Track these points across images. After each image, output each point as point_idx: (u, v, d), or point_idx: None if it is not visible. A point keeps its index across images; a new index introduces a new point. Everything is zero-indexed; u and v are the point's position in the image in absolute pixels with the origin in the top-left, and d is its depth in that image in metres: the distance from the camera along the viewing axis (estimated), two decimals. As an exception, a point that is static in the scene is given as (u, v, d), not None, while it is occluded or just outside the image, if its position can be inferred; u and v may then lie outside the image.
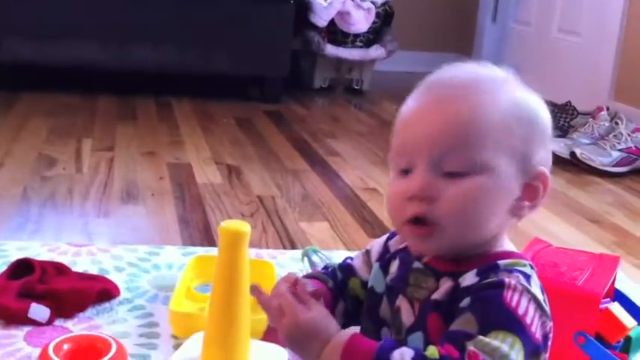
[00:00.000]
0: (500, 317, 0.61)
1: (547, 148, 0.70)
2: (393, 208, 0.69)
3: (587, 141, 2.35)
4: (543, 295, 0.65)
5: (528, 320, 0.61)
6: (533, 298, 0.63)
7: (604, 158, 2.25)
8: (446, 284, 0.67)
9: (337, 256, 1.38)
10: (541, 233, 1.58)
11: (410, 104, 0.70)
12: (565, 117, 2.62)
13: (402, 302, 0.71)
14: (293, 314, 0.66)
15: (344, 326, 0.74)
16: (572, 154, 2.26)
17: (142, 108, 2.73)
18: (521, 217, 0.70)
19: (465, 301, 0.63)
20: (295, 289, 0.70)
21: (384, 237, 0.81)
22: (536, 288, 0.65)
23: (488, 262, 0.67)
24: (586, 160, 2.25)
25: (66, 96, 2.78)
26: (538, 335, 0.62)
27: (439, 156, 0.65)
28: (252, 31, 2.87)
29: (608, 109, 2.45)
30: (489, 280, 0.64)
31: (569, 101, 2.65)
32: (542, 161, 0.69)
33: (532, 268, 0.67)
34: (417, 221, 0.66)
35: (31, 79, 2.99)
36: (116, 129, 2.38)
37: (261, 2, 2.88)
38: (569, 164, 2.27)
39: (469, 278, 0.65)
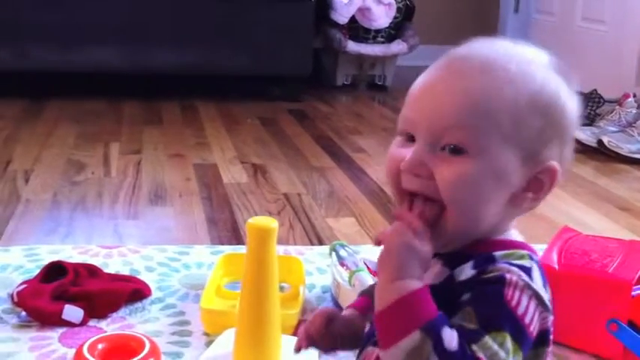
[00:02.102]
0: (499, 316, 0.59)
1: (566, 143, 0.66)
2: (389, 172, 0.66)
3: (615, 129, 2.32)
4: (545, 287, 0.63)
5: (527, 320, 0.59)
6: (535, 295, 0.60)
7: (632, 145, 2.23)
8: (436, 267, 0.65)
9: (364, 250, 1.38)
10: (570, 222, 1.57)
11: (425, 74, 0.67)
12: (591, 105, 2.59)
13: None
14: (409, 235, 0.62)
15: None
16: (600, 142, 2.24)
17: (166, 111, 2.75)
18: (523, 209, 0.66)
19: (466, 296, 0.60)
20: None
21: None
22: (538, 281, 0.62)
23: (484, 251, 0.63)
24: (614, 148, 2.22)
25: (92, 102, 2.81)
26: (535, 333, 0.60)
27: (439, 131, 0.62)
28: (274, 30, 2.88)
29: (634, 95, 2.42)
30: (489, 275, 0.61)
31: (595, 89, 2.63)
32: (555, 156, 0.65)
33: (532, 258, 0.63)
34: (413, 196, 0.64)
35: (57, 86, 3.03)
36: (142, 132, 2.40)
37: (282, 1, 2.89)
38: (596, 152, 2.25)
39: (465, 271, 0.62)
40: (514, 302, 0.59)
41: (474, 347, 0.57)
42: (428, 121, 0.63)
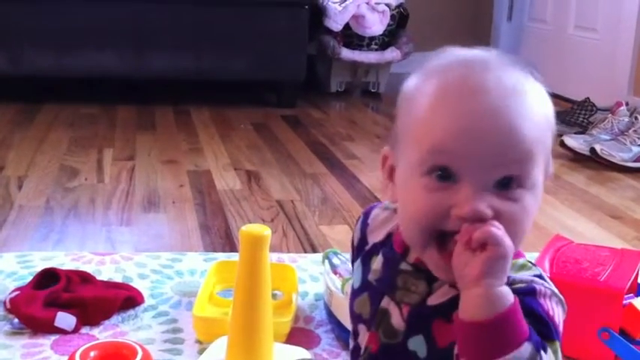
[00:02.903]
0: (546, 327, 0.59)
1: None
2: (426, 217, 0.60)
3: (607, 137, 2.33)
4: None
5: (561, 326, 0.60)
6: (560, 301, 0.61)
7: (624, 154, 2.24)
8: (442, 289, 0.63)
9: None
10: (562, 230, 1.58)
11: (437, 94, 0.60)
12: (584, 113, 2.60)
13: (389, 305, 0.67)
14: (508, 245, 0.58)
15: None
16: (593, 150, 2.25)
17: (160, 117, 2.75)
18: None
19: None
20: None
21: (359, 223, 0.75)
22: (554, 286, 0.63)
23: None
24: (606, 156, 2.23)
25: (86, 107, 2.81)
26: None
27: (495, 165, 0.58)
28: (268, 36, 2.89)
29: (627, 104, 2.44)
30: (518, 285, 0.60)
31: (588, 98, 2.64)
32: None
33: (531, 264, 0.64)
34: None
35: (50, 90, 3.02)
36: (136, 138, 2.40)
37: (276, 8, 2.90)
38: (589, 160, 2.26)
39: None
40: (552, 312, 0.60)
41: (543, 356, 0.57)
42: (482, 155, 0.58)
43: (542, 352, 0.56)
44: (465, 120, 0.58)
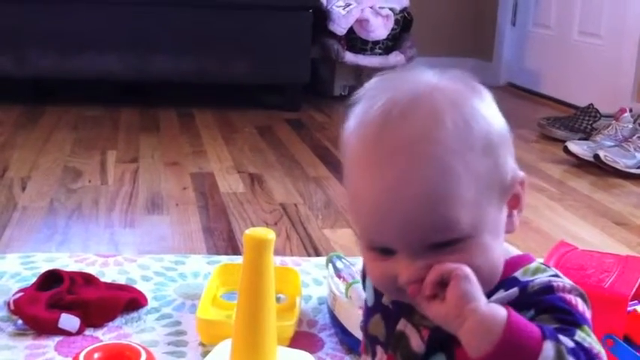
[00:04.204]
0: (573, 316, 0.58)
1: (512, 149, 0.63)
2: (385, 290, 0.63)
3: (611, 143, 2.33)
4: None
5: (587, 314, 0.60)
6: (581, 295, 0.60)
7: (628, 160, 2.24)
8: None
9: (360, 262, 1.38)
10: (566, 236, 1.58)
11: (363, 160, 0.59)
12: (588, 120, 2.60)
13: (406, 328, 0.66)
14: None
15: None
16: (596, 156, 2.25)
17: (164, 119, 2.75)
18: (516, 225, 0.64)
19: (529, 314, 0.58)
20: None
21: None
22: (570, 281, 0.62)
23: (502, 278, 0.62)
24: (610, 163, 2.23)
25: (89, 109, 2.81)
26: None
27: (421, 236, 0.57)
28: (272, 40, 2.89)
29: (631, 110, 2.44)
30: (536, 287, 0.60)
31: (592, 104, 2.64)
32: (512, 162, 0.62)
33: (545, 265, 0.64)
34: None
35: (54, 93, 3.03)
36: (139, 140, 2.40)
37: (280, 11, 2.90)
38: (593, 167, 2.26)
39: (502, 299, 0.60)
40: (574, 302, 0.59)
41: (578, 339, 0.56)
42: (404, 232, 0.57)
43: (562, 340, 0.55)
44: (378, 198, 0.57)
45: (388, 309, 0.68)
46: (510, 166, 0.62)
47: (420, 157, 0.56)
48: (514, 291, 0.61)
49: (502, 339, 0.54)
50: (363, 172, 0.59)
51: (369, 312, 0.72)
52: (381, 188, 0.57)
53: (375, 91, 0.62)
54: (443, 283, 0.56)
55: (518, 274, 0.63)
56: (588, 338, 0.57)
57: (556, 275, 0.62)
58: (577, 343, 0.56)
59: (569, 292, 0.60)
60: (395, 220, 0.57)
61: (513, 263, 0.64)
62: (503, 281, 0.62)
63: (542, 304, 0.58)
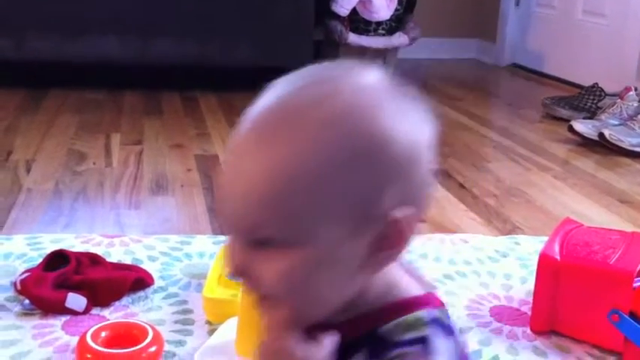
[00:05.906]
0: None
1: (409, 179, 0.52)
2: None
3: (616, 122, 2.32)
4: (454, 334, 0.55)
5: None
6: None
7: (633, 139, 2.23)
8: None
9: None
10: (571, 215, 1.57)
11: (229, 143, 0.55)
12: (593, 99, 2.59)
13: None
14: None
15: None
16: (601, 135, 2.24)
17: (167, 102, 2.75)
18: (382, 267, 0.54)
19: None
20: None
21: None
22: (441, 347, 0.53)
23: (369, 328, 0.54)
24: (615, 141, 2.22)
25: (92, 92, 2.81)
26: None
27: (250, 225, 0.52)
28: (274, 21, 2.88)
29: (636, 89, 2.43)
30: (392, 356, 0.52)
31: (597, 83, 2.63)
32: (396, 201, 0.51)
33: (428, 320, 0.54)
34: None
35: (57, 76, 3.02)
36: (143, 123, 2.40)
37: (283, -7, 2.89)
38: (598, 145, 2.25)
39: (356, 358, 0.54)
40: None
41: None
42: (232, 213, 0.53)
43: None
44: (222, 189, 0.54)
45: None
46: (390, 198, 0.51)
47: (259, 147, 0.52)
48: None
49: None
50: (225, 161, 0.55)
51: None
52: (227, 161, 0.54)
53: (274, 88, 0.58)
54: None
55: (390, 325, 0.54)
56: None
57: (422, 341, 0.53)
58: None
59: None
60: (229, 199, 0.53)
61: (397, 307, 0.55)
62: (371, 334, 0.54)
63: None
